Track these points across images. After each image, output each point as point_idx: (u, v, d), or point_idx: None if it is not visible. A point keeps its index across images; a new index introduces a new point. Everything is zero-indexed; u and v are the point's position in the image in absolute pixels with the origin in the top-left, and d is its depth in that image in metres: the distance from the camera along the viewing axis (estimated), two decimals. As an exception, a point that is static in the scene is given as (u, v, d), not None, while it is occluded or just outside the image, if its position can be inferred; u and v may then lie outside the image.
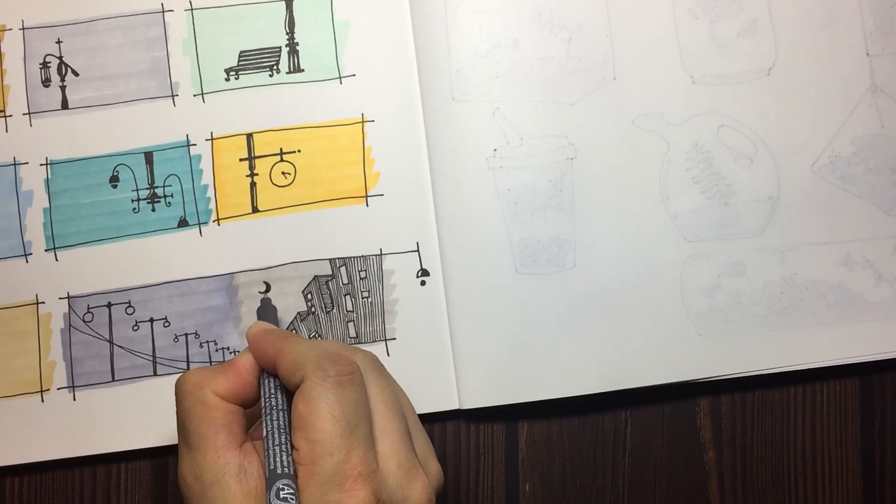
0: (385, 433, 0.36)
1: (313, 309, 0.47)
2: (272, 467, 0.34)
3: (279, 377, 0.37)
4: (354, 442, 0.34)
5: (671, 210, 0.48)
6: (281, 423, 0.35)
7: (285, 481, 0.33)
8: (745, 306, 0.47)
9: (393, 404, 0.37)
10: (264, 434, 0.35)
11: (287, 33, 0.48)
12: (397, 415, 0.36)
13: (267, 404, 0.36)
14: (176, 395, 0.37)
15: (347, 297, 0.47)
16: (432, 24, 0.47)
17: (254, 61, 0.48)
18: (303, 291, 0.47)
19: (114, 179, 0.47)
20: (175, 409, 0.37)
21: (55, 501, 0.47)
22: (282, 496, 0.33)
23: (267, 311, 0.46)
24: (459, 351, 0.47)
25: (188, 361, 0.47)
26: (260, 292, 0.47)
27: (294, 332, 0.47)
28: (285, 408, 0.36)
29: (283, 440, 0.35)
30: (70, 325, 0.47)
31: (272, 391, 0.37)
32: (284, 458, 0.34)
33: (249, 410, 0.38)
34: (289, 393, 0.37)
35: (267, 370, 0.38)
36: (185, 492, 0.35)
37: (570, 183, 0.47)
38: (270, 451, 0.34)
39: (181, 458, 0.36)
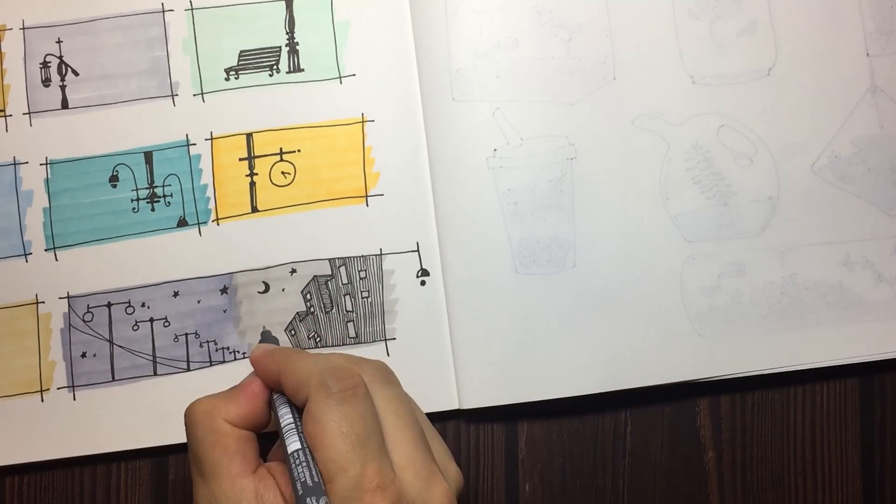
0: (398, 442, 0.35)
1: (312, 309, 0.47)
2: (303, 480, 0.33)
3: (286, 396, 0.37)
4: (367, 455, 0.33)
5: (671, 210, 0.48)
6: (302, 440, 0.35)
7: (325, 499, 0.33)
8: (745, 306, 0.47)
9: (403, 413, 0.36)
10: (286, 453, 0.35)
11: (287, 33, 0.48)
12: (409, 423, 0.36)
13: (282, 423, 0.36)
14: (186, 424, 0.37)
15: (347, 297, 0.47)
16: (432, 24, 0.47)
17: (254, 61, 0.48)
18: (302, 291, 0.47)
19: (113, 179, 0.47)
20: (186, 438, 0.37)
21: (55, 501, 0.47)
22: None
23: (267, 339, 0.46)
24: (459, 351, 0.47)
25: (188, 361, 0.47)
26: (259, 291, 0.47)
27: (297, 345, 0.47)
28: (300, 424, 0.36)
29: (305, 457, 0.34)
30: (70, 324, 0.47)
31: (285, 410, 0.37)
32: (314, 471, 0.34)
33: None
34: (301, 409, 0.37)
35: (275, 390, 0.38)
36: None
37: (570, 183, 0.47)
38: (297, 469, 0.34)
39: (196, 487, 0.36)
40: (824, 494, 0.49)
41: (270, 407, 0.38)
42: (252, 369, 0.39)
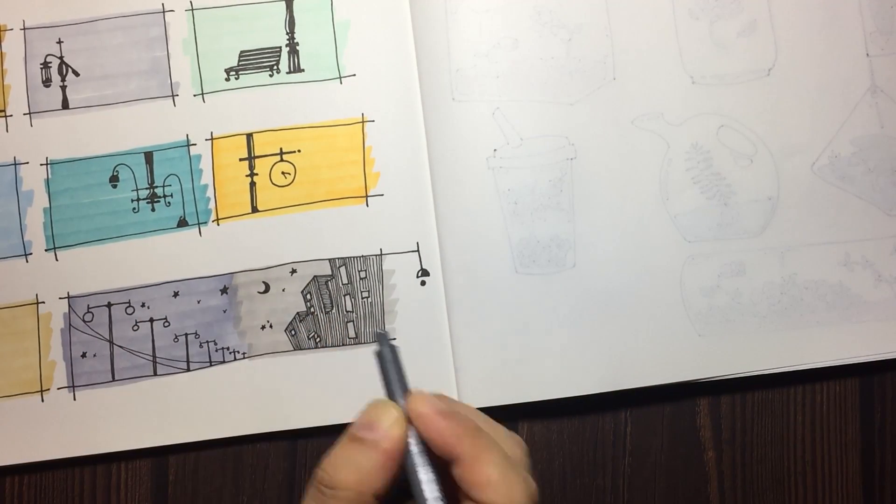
0: None
1: (312, 309, 0.47)
2: None
3: (456, 476, 0.32)
4: None
5: (671, 210, 0.48)
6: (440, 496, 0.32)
7: None
8: (745, 306, 0.47)
9: None
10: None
11: (287, 33, 0.48)
12: None
13: (421, 477, 0.32)
14: (321, 491, 0.32)
15: (347, 297, 0.47)
16: (432, 24, 0.47)
17: (254, 61, 0.48)
18: (302, 291, 0.47)
19: (114, 179, 0.47)
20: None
21: (55, 501, 0.47)
22: None
23: (382, 341, 0.36)
24: (459, 351, 0.47)
25: (188, 361, 0.47)
26: (259, 292, 0.47)
27: (297, 346, 0.47)
28: (437, 478, 0.32)
29: None
30: (70, 324, 0.47)
31: (423, 463, 0.33)
32: None
33: None
34: (435, 459, 0.33)
35: (434, 452, 0.33)
36: None
37: (570, 183, 0.47)
38: None
39: None
40: (824, 494, 0.49)
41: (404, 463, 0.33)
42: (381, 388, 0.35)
